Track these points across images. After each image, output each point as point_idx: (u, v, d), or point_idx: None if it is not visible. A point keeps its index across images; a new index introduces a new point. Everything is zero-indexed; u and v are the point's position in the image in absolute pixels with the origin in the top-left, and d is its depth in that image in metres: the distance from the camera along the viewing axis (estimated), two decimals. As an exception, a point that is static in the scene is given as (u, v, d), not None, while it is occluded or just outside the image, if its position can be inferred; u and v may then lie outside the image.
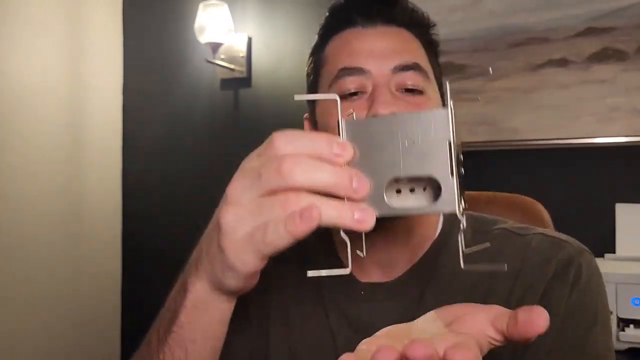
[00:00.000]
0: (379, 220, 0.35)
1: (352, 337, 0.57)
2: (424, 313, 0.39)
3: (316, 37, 0.71)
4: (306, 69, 0.73)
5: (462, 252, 0.36)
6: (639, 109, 1.47)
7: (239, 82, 1.99)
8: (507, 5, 1.61)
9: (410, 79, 0.62)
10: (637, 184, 1.48)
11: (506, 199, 0.98)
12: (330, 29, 0.69)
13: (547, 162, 1.57)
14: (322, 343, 0.61)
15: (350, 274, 0.45)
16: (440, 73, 0.71)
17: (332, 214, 0.35)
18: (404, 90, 0.63)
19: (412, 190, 0.37)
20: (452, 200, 0.34)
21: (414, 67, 0.63)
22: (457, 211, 0.33)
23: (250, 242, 0.37)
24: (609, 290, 1.18)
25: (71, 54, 1.93)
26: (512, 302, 0.57)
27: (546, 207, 0.96)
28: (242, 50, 1.97)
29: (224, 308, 0.45)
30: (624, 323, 1.20)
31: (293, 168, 0.35)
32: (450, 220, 0.64)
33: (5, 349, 1.66)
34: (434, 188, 0.35)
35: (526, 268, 0.59)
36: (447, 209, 0.34)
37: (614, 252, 1.46)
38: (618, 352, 1.18)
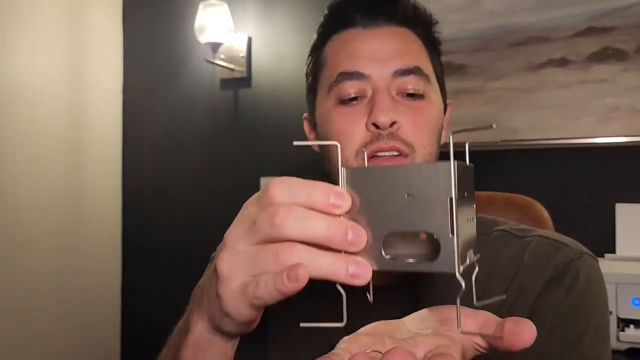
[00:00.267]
0: (376, 271, 0.35)
1: None
2: (412, 321, 0.39)
3: (315, 36, 0.70)
4: (305, 68, 0.72)
5: (475, 300, 0.35)
6: (639, 109, 1.47)
7: (239, 82, 1.99)
8: (507, 5, 1.61)
9: (411, 83, 0.61)
10: (637, 184, 1.48)
11: (506, 199, 0.98)
12: (330, 28, 0.67)
13: (547, 162, 1.57)
14: (319, 348, 0.61)
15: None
16: (442, 72, 0.70)
17: (325, 268, 0.33)
18: (405, 95, 0.62)
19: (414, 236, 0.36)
20: (451, 260, 0.32)
21: (415, 70, 0.62)
22: (457, 273, 0.32)
23: (244, 293, 0.36)
24: (609, 290, 1.17)
25: (71, 54, 1.93)
26: (505, 305, 0.56)
27: (546, 207, 0.96)
28: (242, 50, 1.97)
29: (225, 347, 0.45)
30: (624, 323, 1.19)
31: (286, 219, 0.33)
32: None
33: (5, 349, 1.66)
34: (436, 242, 0.33)
35: (522, 271, 0.58)
36: (446, 269, 0.32)
37: (614, 252, 1.45)
38: (618, 352, 1.18)
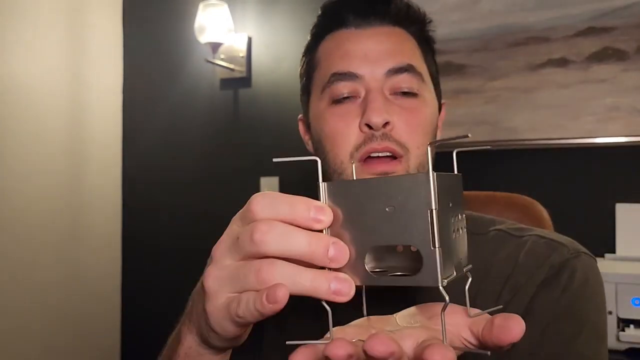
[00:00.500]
0: (360, 286, 0.34)
1: None
2: (402, 317, 0.39)
3: (309, 36, 0.70)
4: (299, 69, 0.72)
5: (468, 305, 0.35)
6: (639, 109, 1.47)
7: (239, 82, 1.99)
8: (507, 4, 1.61)
9: (404, 81, 0.61)
10: (637, 184, 1.48)
11: (506, 199, 0.98)
12: (323, 29, 0.67)
13: (547, 161, 1.57)
14: None
15: None
16: (436, 71, 0.70)
17: (306, 285, 0.33)
18: (398, 93, 0.62)
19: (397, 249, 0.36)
20: (433, 273, 0.31)
21: (408, 68, 0.61)
22: (440, 285, 0.31)
23: (227, 311, 0.36)
24: (609, 290, 1.18)
25: (71, 54, 1.93)
26: (501, 303, 0.56)
27: (546, 207, 0.96)
28: (242, 50, 1.97)
29: (216, 359, 0.45)
30: (624, 323, 1.19)
31: (266, 235, 0.33)
32: None
33: (5, 349, 1.66)
34: (419, 255, 0.33)
35: (518, 270, 0.57)
36: (429, 283, 0.31)
37: (614, 252, 1.45)
38: (618, 352, 1.18)
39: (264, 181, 1.93)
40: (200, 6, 1.87)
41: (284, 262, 0.34)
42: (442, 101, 0.71)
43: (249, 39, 1.99)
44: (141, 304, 2.12)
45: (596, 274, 0.58)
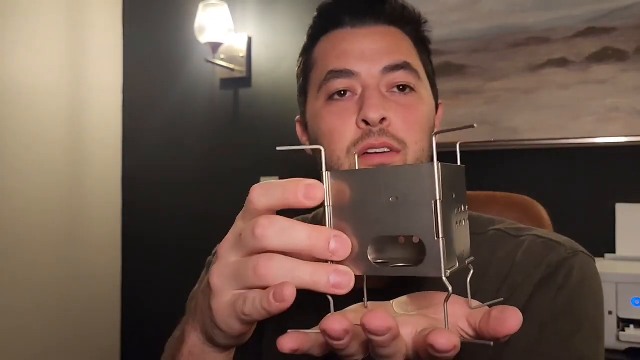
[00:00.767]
0: (361, 276, 0.34)
1: None
2: (398, 305, 0.39)
3: (305, 37, 0.70)
4: (296, 69, 0.73)
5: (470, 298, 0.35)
6: (639, 109, 1.47)
7: (239, 82, 1.99)
8: (507, 5, 1.61)
9: (401, 77, 0.62)
10: (637, 184, 1.48)
11: (506, 199, 0.98)
12: (319, 30, 0.68)
13: (547, 162, 1.57)
14: None
15: None
16: (432, 71, 0.70)
17: (305, 279, 0.33)
18: (395, 89, 0.62)
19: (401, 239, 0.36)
20: (437, 263, 0.31)
21: (404, 66, 0.62)
22: (443, 276, 0.31)
23: (233, 309, 0.36)
24: (609, 290, 1.18)
25: (71, 54, 1.93)
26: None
27: (546, 207, 0.96)
28: (242, 50, 1.97)
29: (219, 358, 0.44)
30: (624, 323, 1.19)
31: (267, 231, 0.33)
32: None
33: (5, 349, 1.66)
34: (422, 245, 0.32)
35: (515, 270, 0.57)
36: (432, 273, 0.31)
37: (614, 252, 1.45)
38: (618, 352, 1.18)
39: (264, 181, 1.93)
40: (200, 6, 1.87)
41: (282, 256, 0.34)
42: (440, 101, 0.71)
43: (249, 39, 1.99)
44: (141, 303, 2.12)
45: (593, 273, 0.58)
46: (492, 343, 0.32)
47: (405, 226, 0.32)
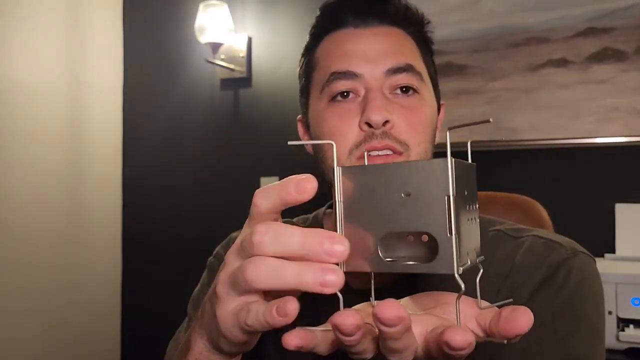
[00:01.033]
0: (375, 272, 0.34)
1: None
2: (405, 304, 0.39)
3: (308, 37, 0.70)
4: (298, 69, 0.72)
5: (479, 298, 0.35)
6: (639, 109, 1.47)
7: (239, 82, 2.00)
8: (507, 5, 1.61)
9: (404, 79, 0.61)
10: (637, 184, 1.48)
11: (506, 199, 0.98)
12: (322, 29, 0.67)
13: (547, 162, 1.58)
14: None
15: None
16: (435, 72, 0.70)
17: (291, 279, 0.32)
18: (398, 91, 0.62)
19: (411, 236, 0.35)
20: (449, 260, 0.31)
21: (407, 68, 0.62)
22: (455, 273, 0.31)
23: (237, 318, 0.36)
24: (609, 290, 1.18)
25: (71, 54, 1.93)
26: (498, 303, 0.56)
27: (546, 207, 0.96)
28: (242, 50, 1.97)
29: None
30: (623, 323, 1.19)
31: (263, 237, 0.34)
32: None
33: (5, 349, 1.66)
34: (434, 242, 0.32)
35: (515, 271, 0.58)
36: (444, 270, 0.31)
37: (614, 252, 1.46)
38: (618, 352, 1.18)
39: (264, 181, 1.93)
40: (201, 6, 1.87)
41: (268, 258, 0.34)
42: (441, 102, 0.71)
43: (249, 39, 1.99)
44: (141, 307, 2.12)
45: (593, 273, 0.58)
46: (505, 341, 0.31)
47: (417, 222, 0.32)
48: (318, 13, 0.69)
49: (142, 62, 2.17)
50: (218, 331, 0.38)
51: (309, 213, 0.79)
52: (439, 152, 0.57)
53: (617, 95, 1.49)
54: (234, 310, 0.36)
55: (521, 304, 0.54)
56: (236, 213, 2.08)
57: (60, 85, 1.88)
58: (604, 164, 1.52)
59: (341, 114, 0.62)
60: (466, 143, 0.38)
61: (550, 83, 1.56)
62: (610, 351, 1.18)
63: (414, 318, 0.33)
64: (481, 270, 0.36)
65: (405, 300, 0.38)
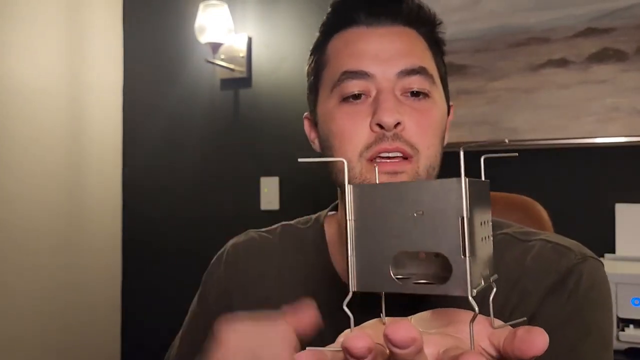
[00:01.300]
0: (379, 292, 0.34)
1: None
2: (417, 322, 0.38)
3: (317, 34, 0.69)
4: (306, 67, 0.71)
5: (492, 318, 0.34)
6: (639, 109, 1.47)
7: (239, 82, 1.99)
8: (508, 5, 1.61)
9: (416, 82, 0.61)
10: (637, 184, 1.48)
11: (506, 199, 0.98)
12: (333, 27, 0.66)
13: (547, 162, 1.58)
14: None
15: (345, 284, 0.45)
16: (445, 73, 0.69)
17: None
18: (409, 94, 0.61)
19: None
20: (463, 282, 0.30)
21: (420, 71, 0.61)
22: (469, 296, 0.30)
23: None
24: (609, 290, 1.18)
25: (71, 54, 1.93)
26: (508, 308, 0.56)
27: (546, 207, 0.96)
28: (242, 50, 1.97)
29: None
30: (623, 323, 1.19)
31: None
32: None
33: (5, 349, 1.66)
34: (447, 262, 0.31)
35: (525, 276, 0.57)
36: (457, 292, 0.30)
37: (614, 252, 1.46)
38: (618, 352, 1.18)
39: (264, 181, 1.93)
40: (201, 6, 1.87)
41: None
42: (450, 103, 0.70)
43: (249, 39, 1.99)
44: (141, 305, 2.12)
45: (603, 278, 0.58)
46: None
47: (430, 242, 0.31)
48: (329, 10, 0.67)
49: (142, 62, 2.17)
50: None
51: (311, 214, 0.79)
52: (448, 152, 0.58)
53: (617, 95, 1.49)
54: None
55: (531, 309, 0.55)
56: (236, 213, 2.09)
57: (60, 85, 1.88)
58: (604, 164, 1.51)
59: (351, 114, 0.61)
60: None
61: (550, 83, 1.56)
62: (610, 351, 1.18)
63: (426, 337, 0.32)
64: (494, 290, 0.35)
65: (417, 317, 0.37)
